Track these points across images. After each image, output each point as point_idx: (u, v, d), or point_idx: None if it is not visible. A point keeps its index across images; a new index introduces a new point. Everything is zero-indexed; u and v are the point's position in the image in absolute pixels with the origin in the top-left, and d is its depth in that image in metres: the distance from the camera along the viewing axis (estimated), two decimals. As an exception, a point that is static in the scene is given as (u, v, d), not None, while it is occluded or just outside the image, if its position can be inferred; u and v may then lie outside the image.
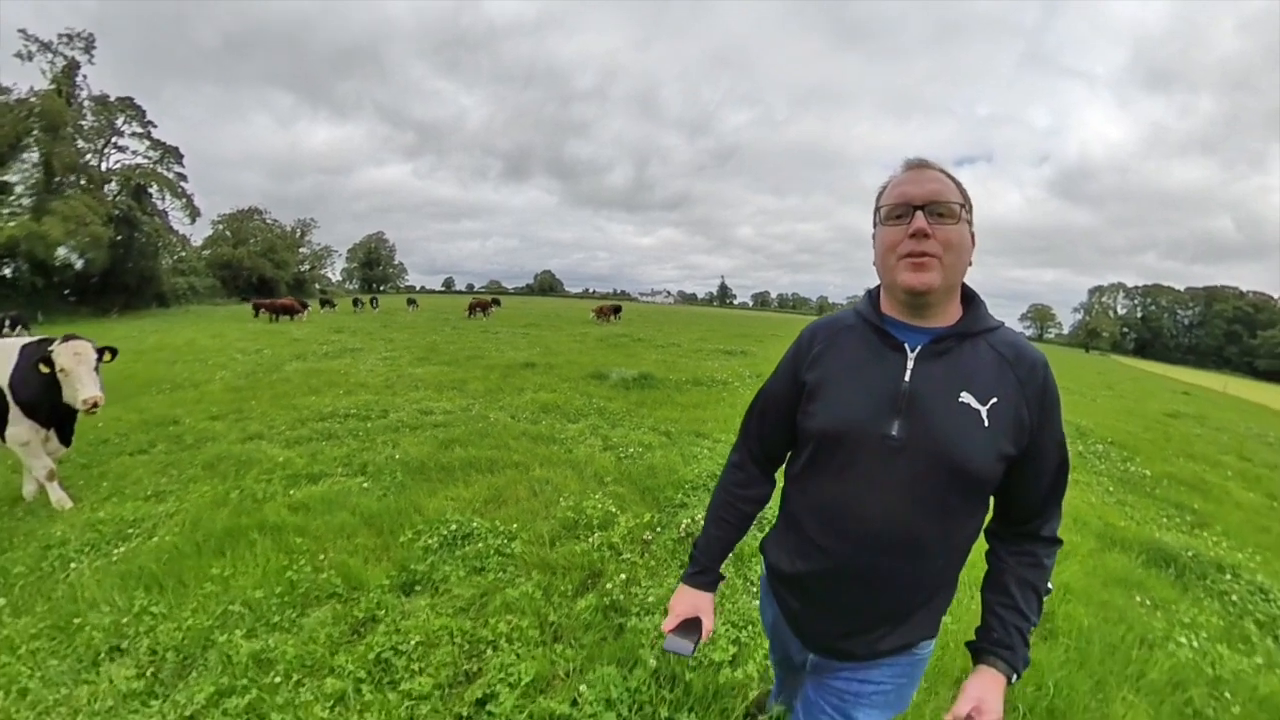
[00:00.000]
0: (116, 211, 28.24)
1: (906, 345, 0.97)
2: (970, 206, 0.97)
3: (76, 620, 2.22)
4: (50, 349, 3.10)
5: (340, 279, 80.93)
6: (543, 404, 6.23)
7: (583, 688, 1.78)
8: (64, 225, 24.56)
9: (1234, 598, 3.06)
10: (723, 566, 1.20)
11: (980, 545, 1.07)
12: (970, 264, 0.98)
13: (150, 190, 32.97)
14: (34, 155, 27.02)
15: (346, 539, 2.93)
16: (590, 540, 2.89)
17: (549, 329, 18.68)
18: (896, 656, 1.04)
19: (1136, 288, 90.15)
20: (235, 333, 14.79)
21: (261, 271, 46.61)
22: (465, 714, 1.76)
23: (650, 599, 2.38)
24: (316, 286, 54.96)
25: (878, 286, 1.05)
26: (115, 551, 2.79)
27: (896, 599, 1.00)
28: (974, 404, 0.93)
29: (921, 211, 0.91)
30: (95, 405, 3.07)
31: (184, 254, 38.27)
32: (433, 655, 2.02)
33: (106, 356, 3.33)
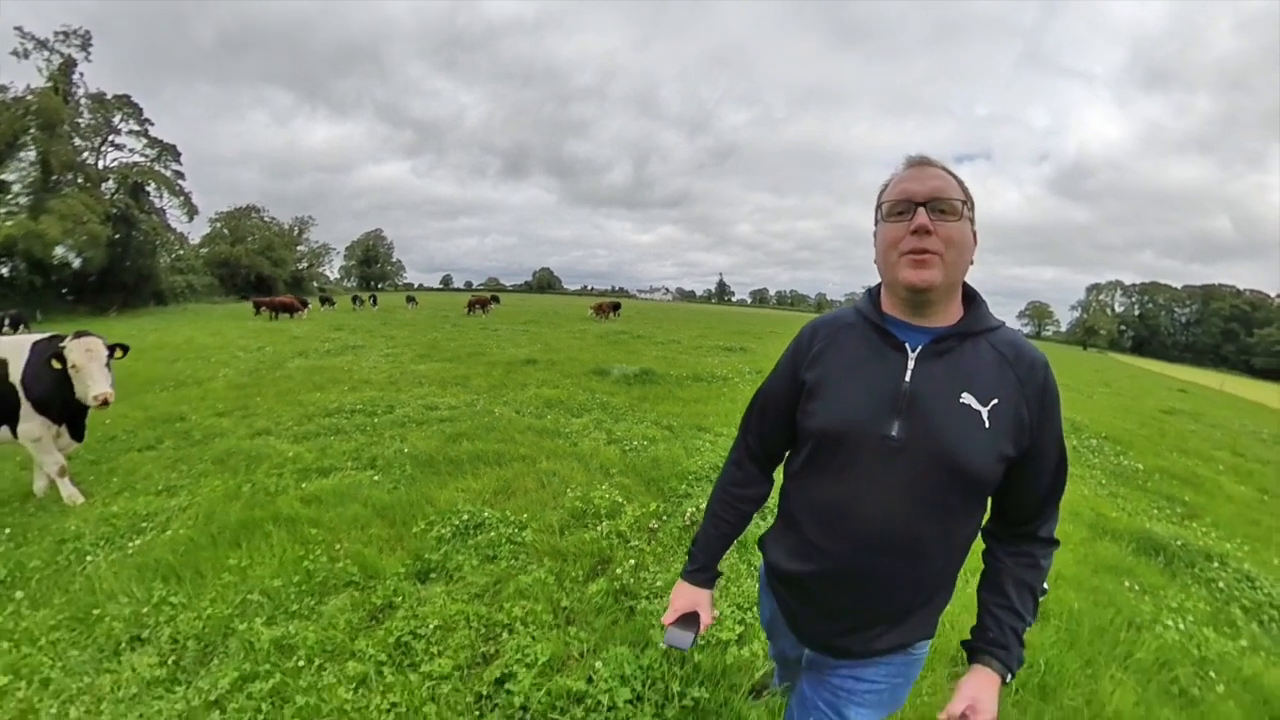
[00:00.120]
0: (114, 210, 28.16)
1: (907, 345, 0.97)
2: (972, 204, 0.97)
3: (95, 612, 2.26)
4: (62, 346, 3.13)
5: (338, 277, 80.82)
6: (546, 399, 6.31)
7: (598, 664, 1.87)
8: (61, 224, 24.51)
9: (1221, 584, 3.16)
10: (727, 552, 1.25)
11: (978, 545, 1.07)
12: (972, 262, 0.97)
13: (148, 188, 32.89)
14: (31, 154, 26.94)
15: (360, 530, 2.99)
16: (599, 528, 2.97)
17: (549, 326, 18.74)
18: (893, 655, 1.04)
19: (1134, 286, 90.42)
20: (235, 331, 14.80)
21: (259, 269, 46.52)
22: (485, 693, 1.84)
23: (659, 583, 2.47)
24: (315, 285, 54.87)
25: (878, 285, 1.04)
26: (130, 545, 2.83)
27: (894, 600, 1.00)
28: (975, 405, 0.92)
29: (924, 208, 0.91)
30: (106, 401, 3.10)
31: (182, 252, 38.18)
32: (451, 639, 2.10)
33: (118, 353, 3.36)
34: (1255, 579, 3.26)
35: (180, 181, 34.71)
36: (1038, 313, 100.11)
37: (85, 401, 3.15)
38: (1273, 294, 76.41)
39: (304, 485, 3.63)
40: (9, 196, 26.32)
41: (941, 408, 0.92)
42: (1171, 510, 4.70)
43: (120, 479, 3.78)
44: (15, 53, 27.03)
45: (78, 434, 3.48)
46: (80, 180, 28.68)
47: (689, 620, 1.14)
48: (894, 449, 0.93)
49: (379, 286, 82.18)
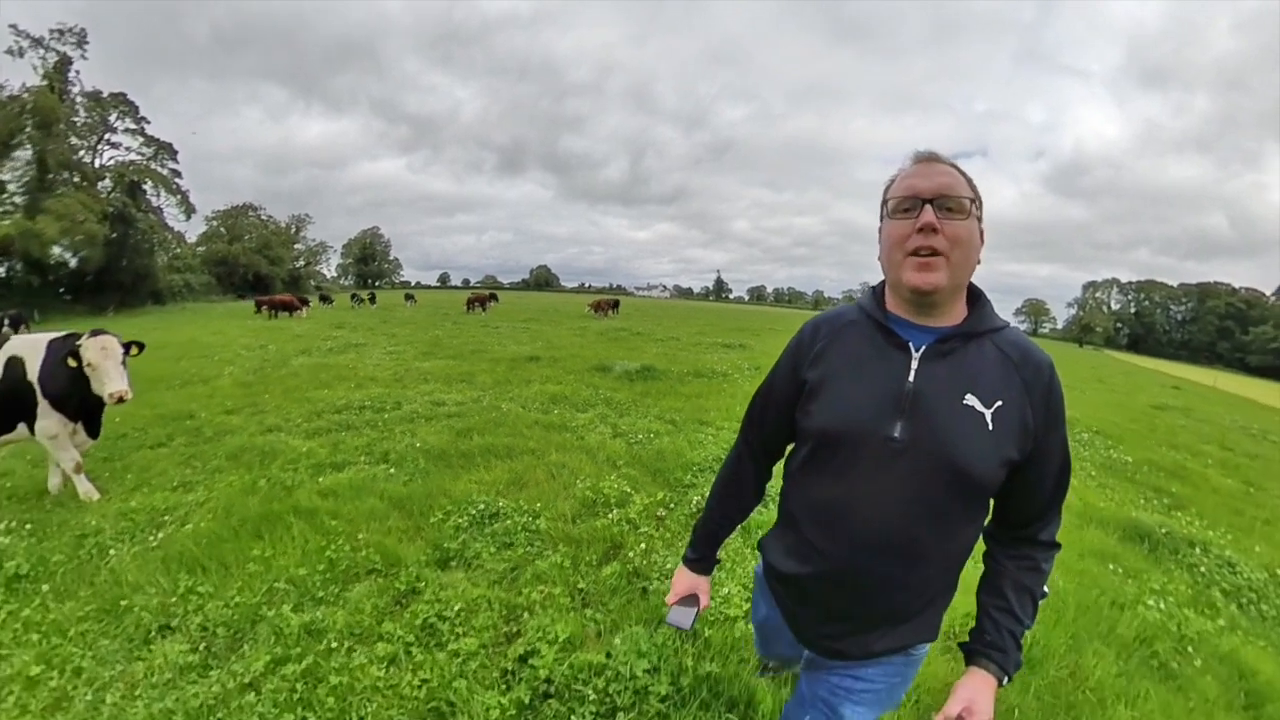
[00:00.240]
0: (111, 209, 28.10)
1: (911, 344, 0.95)
2: (980, 202, 0.95)
3: (123, 603, 2.30)
4: (78, 344, 3.14)
5: (335, 275, 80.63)
6: (551, 395, 6.43)
7: (616, 640, 1.99)
8: (59, 223, 24.49)
9: (1202, 569, 3.31)
10: (731, 536, 1.30)
11: (979, 547, 1.07)
12: (979, 262, 0.95)
13: (144, 187, 32.85)
14: (26, 153, 26.85)
15: (379, 521, 3.08)
16: (609, 516, 3.10)
17: (548, 323, 18.83)
18: (892, 657, 1.04)
19: (1130, 283, 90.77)
20: (236, 329, 14.84)
21: (257, 268, 46.46)
22: (510, 669, 1.95)
23: (669, 566, 2.60)
24: (313, 284, 54.78)
25: (882, 282, 1.02)
26: (151, 539, 2.87)
27: (893, 601, 0.99)
28: (978, 406, 0.91)
29: (930, 205, 0.89)
30: (123, 398, 3.13)
31: (179, 251, 38.13)
32: (474, 620, 2.21)
33: (133, 350, 3.37)
34: (1236, 564, 3.41)
35: (177, 180, 34.78)
36: (1034, 310, 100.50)
37: (102, 399, 3.18)
38: (1268, 292, 76.73)
39: (320, 480, 3.71)
40: (5, 196, 26.28)
41: (945, 409, 0.91)
42: (1158, 501, 4.85)
43: (135, 475, 3.84)
44: (10, 51, 26.99)
45: (93, 431, 3.52)
46: (77, 179, 28.64)
47: (689, 602, 1.22)
48: (896, 450, 0.92)
49: (376, 285, 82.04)
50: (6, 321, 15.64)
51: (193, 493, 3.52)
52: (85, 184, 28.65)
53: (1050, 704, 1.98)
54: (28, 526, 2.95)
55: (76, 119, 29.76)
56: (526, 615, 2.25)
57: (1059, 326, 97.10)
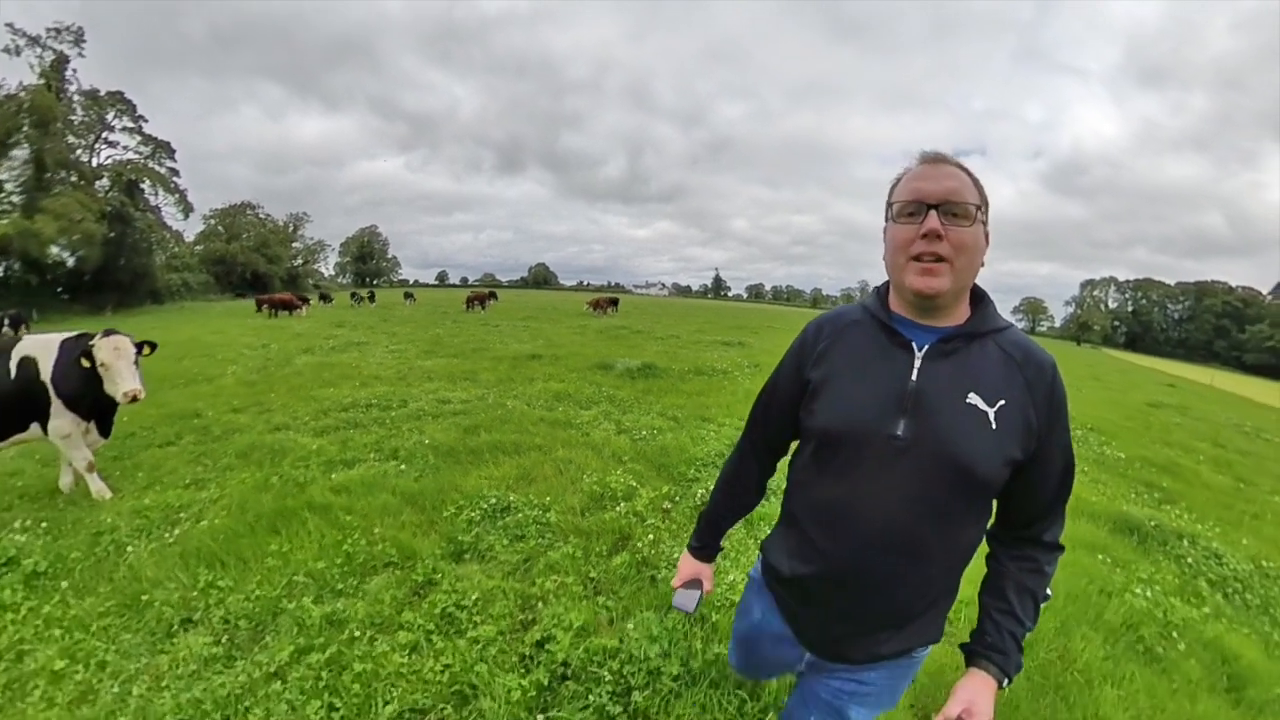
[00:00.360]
0: (109, 208, 28.06)
1: (914, 344, 0.95)
2: (986, 205, 0.93)
3: (144, 598, 2.33)
4: (91, 344, 3.18)
5: (333, 273, 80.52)
6: (554, 393, 6.51)
7: (629, 625, 2.09)
8: (56, 223, 24.45)
9: (1189, 560, 3.42)
10: (735, 527, 1.36)
11: (982, 549, 1.08)
12: (982, 265, 0.95)
13: (142, 186, 32.80)
14: (24, 152, 26.75)
15: (392, 516, 3.15)
16: (617, 509, 3.19)
17: (548, 322, 18.89)
18: (896, 660, 1.05)
19: (1128, 282, 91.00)
20: (236, 328, 14.85)
21: (255, 267, 46.39)
22: (528, 653, 2.04)
23: (675, 555, 2.69)
24: (311, 282, 54.74)
25: (886, 283, 1.03)
26: (167, 535, 2.91)
27: (897, 602, 0.99)
28: (981, 405, 0.91)
29: (935, 211, 0.89)
30: (136, 398, 3.16)
31: (177, 250, 38.09)
32: (491, 609, 2.29)
33: (146, 350, 3.38)
34: (1222, 556, 3.52)
35: (175, 179, 34.71)
36: (1032, 308, 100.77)
37: (115, 398, 3.21)
38: (1264, 291, 76.89)
39: (332, 476, 3.75)
40: (3, 195, 26.20)
41: (948, 408, 0.91)
42: (1149, 496, 4.95)
43: (146, 474, 3.87)
44: (7, 49, 26.88)
45: (105, 430, 3.55)
46: (74, 178, 28.57)
47: (693, 586, 1.29)
48: (899, 448, 0.92)
49: (374, 283, 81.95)
50: (6, 321, 15.65)
51: (205, 490, 3.57)
52: (83, 183, 28.59)
53: (1040, 684, 2.08)
54: (43, 525, 2.97)
55: (74, 118, 29.66)
56: (541, 604, 2.34)
57: (1057, 325, 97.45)
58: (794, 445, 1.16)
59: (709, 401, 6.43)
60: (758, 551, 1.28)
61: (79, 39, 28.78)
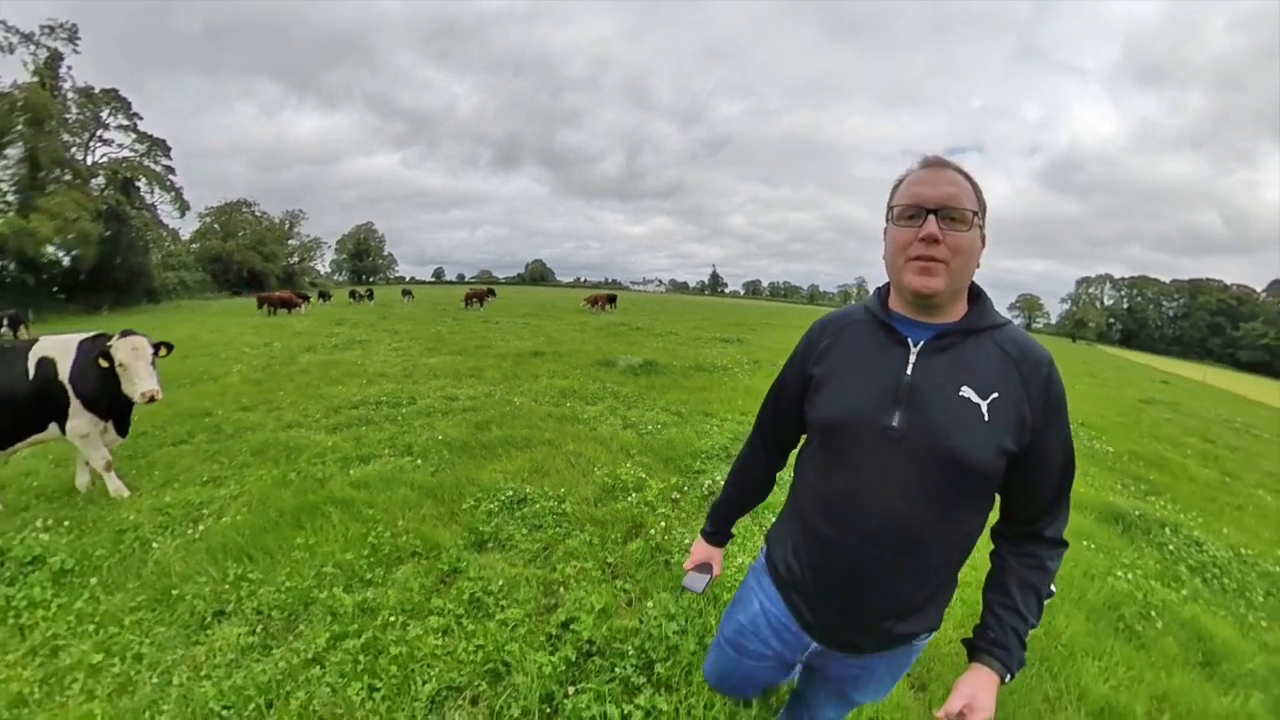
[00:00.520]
0: (104, 206, 27.92)
1: (910, 340, 0.99)
2: (983, 210, 0.97)
3: (174, 592, 2.38)
4: (109, 344, 3.21)
5: (329, 271, 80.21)
6: (560, 389, 6.64)
7: (649, 604, 2.24)
8: (52, 222, 24.33)
9: (1171, 547, 3.59)
10: (743, 517, 1.43)
11: (987, 545, 1.10)
12: (979, 266, 0.99)
13: (138, 184, 32.62)
14: (17, 150, 26.54)
15: (413, 509, 3.25)
16: (629, 500, 3.33)
17: (548, 319, 18.95)
18: (898, 647, 1.09)
19: (1123, 279, 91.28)
20: (236, 327, 14.84)
21: (251, 265, 46.26)
22: (554, 633, 2.16)
23: (687, 541, 2.84)
24: (307, 280, 54.58)
25: (887, 284, 1.07)
26: (190, 531, 2.96)
27: (898, 591, 1.02)
28: (974, 398, 0.94)
29: (934, 216, 0.92)
30: (153, 398, 3.19)
31: (173, 248, 37.93)
32: (516, 594, 2.42)
33: (163, 351, 3.43)
34: (1203, 544, 3.69)
35: (171, 176, 34.49)
36: (1028, 305, 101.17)
37: (133, 398, 3.25)
38: (1259, 289, 77.21)
39: (350, 472, 3.83)
40: (-2, 194, 26.04)
41: (941, 400, 0.95)
42: (1136, 488, 5.12)
43: (162, 472, 3.90)
44: (1, 47, 26.64)
45: (123, 430, 3.58)
46: (69, 177, 28.34)
47: (704, 570, 1.37)
48: (894, 439, 0.96)
49: (371, 280, 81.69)
50: (5, 321, 15.57)
51: (224, 487, 3.62)
52: (78, 181, 28.39)
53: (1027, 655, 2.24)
54: (65, 524, 3.01)
55: (68, 116, 29.45)
56: (562, 589, 2.48)
57: (1053, 322, 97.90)
58: (803, 440, 1.22)
59: (710, 397, 6.57)
60: (762, 540, 1.35)
61: (73, 36, 28.57)
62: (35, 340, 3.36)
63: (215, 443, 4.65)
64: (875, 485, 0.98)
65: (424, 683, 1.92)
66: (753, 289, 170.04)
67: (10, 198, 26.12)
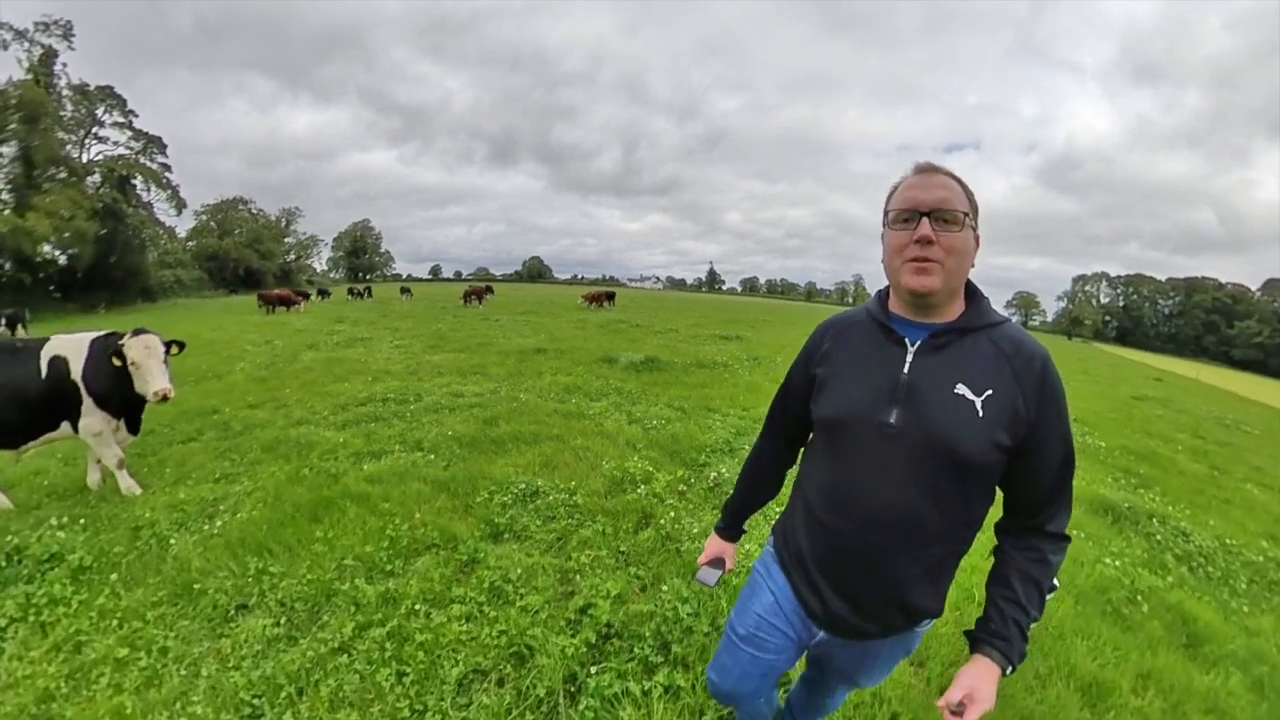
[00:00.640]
0: (100, 204, 27.79)
1: (907, 340, 1.04)
2: (976, 211, 1.02)
3: (196, 587, 2.41)
4: (121, 343, 3.22)
5: (326, 268, 79.99)
6: (564, 386, 6.74)
7: (664, 588, 2.36)
8: (49, 220, 24.23)
9: (1158, 537, 3.73)
10: (753, 516, 1.48)
11: (991, 542, 1.13)
12: (973, 265, 1.03)
13: (134, 181, 32.44)
14: (12, 149, 26.33)
15: (428, 503, 3.33)
16: (638, 491, 3.45)
17: (547, 316, 19.02)
18: (902, 633, 1.14)
19: (1119, 277, 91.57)
20: (236, 325, 14.81)
21: (248, 262, 46.14)
22: (573, 618, 2.27)
23: (695, 530, 2.97)
24: (304, 278, 54.43)
25: (887, 287, 1.12)
26: (207, 527, 2.99)
27: (901, 580, 1.05)
28: (969, 395, 0.97)
29: (927, 218, 0.97)
30: (166, 397, 3.19)
31: (169, 246, 37.77)
32: (534, 582, 2.52)
33: (175, 349, 3.41)
34: (1189, 534, 3.84)
35: (167, 174, 34.29)
36: (1024, 302, 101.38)
37: (145, 397, 3.25)
38: (1253, 287, 77.46)
39: (363, 467, 3.88)
40: (-7, 192, 25.88)
41: (937, 398, 0.99)
42: (1126, 481, 5.26)
43: (173, 470, 3.92)
44: (-6, 44, 26.45)
45: (134, 428, 3.58)
46: (64, 175, 28.19)
47: (716, 564, 1.41)
48: (891, 435, 1.00)
49: (368, 277, 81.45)
50: (4, 321, 15.53)
51: (238, 484, 3.65)
52: (74, 179, 28.22)
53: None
54: (80, 521, 3.02)
55: (64, 113, 29.28)
56: (579, 576, 2.59)
57: (1049, 319, 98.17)
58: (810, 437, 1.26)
59: (712, 393, 6.70)
60: (768, 532, 1.39)
61: (68, 32, 28.40)
62: (47, 339, 3.38)
63: (225, 440, 4.67)
64: (875, 479, 1.03)
65: (451, 666, 1.99)
66: (750, 286, 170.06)
67: (6, 196, 25.98)
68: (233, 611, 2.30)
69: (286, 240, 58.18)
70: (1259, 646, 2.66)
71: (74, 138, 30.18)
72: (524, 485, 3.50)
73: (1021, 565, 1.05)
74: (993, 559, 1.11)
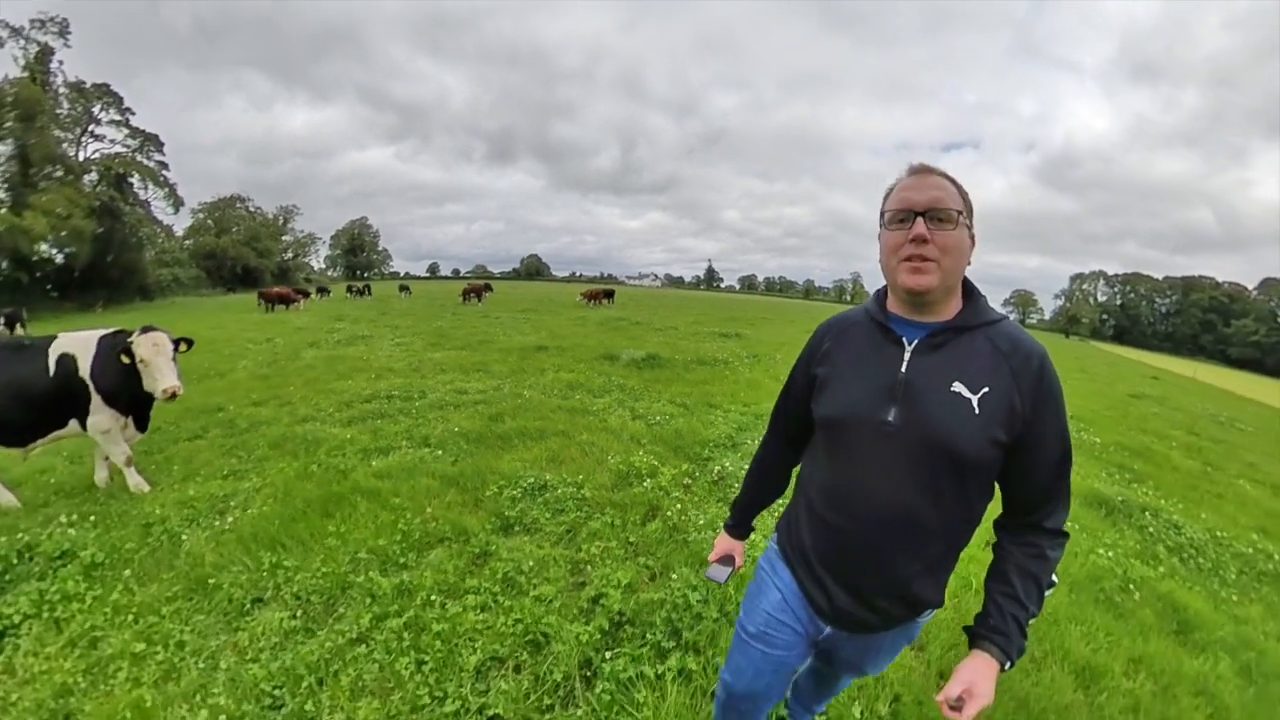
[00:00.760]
0: (97, 203, 27.72)
1: (904, 339, 1.05)
2: (970, 210, 1.04)
3: (210, 581, 2.43)
4: (130, 340, 3.21)
5: (324, 266, 79.78)
6: (567, 382, 6.79)
7: (674, 576, 2.43)
8: (46, 219, 24.16)
9: (1151, 529, 3.82)
10: (758, 516, 1.50)
11: (990, 537, 1.14)
12: (969, 264, 1.05)
13: (131, 180, 32.34)
14: (8, 147, 26.25)
15: (438, 497, 3.37)
16: (644, 485, 3.52)
17: (547, 313, 19.05)
18: (904, 625, 1.16)
19: (1117, 276, 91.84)
20: (236, 324, 14.78)
21: (246, 260, 46.04)
22: (586, 607, 2.33)
23: (701, 521, 3.04)
24: (302, 276, 54.31)
25: (885, 287, 1.13)
26: (218, 523, 3.00)
27: (902, 574, 1.07)
28: (965, 393, 0.99)
29: (922, 218, 0.98)
30: (175, 394, 3.18)
31: (167, 245, 37.66)
32: (546, 572, 2.59)
33: (183, 347, 3.41)
34: (1181, 526, 3.92)
35: (164, 172, 34.20)
36: (1022, 301, 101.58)
37: (154, 394, 3.25)
38: (1250, 286, 77.60)
39: (371, 463, 3.91)
40: (-11, 190, 25.79)
41: (933, 395, 1.00)
42: (1120, 476, 5.35)
43: (180, 467, 3.93)
44: (-9, 42, 26.33)
45: (142, 425, 3.58)
46: (61, 173, 28.11)
47: (726, 562, 1.45)
48: (889, 433, 1.02)
49: (366, 276, 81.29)
50: (2, 320, 15.51)
51: (246, 480, 3.66)
52: (71, 178, 28.14)
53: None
54: (91, 518, 3.02)
55: (60, 111, 29.17)
56: (589, 567, 2.66)
57: (1046, 318, 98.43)
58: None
59: (713, 390, 6.77)
60: (773, 529, 1.39)
61: (64, 30, 28.31)
62: (54, 337, 3.38)
63: (231, 437, 4.69)
64: (875, 477, 1.04)
65: (469, 654, 2.03)
66: (748, 284, 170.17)
67: (2, 195, 25.92)
68: (248, 605, 2.33)
69: (284, 238, 58.01)
70: (1247, 633, 2.74)
71: (70, 136, 30.09)
72: (532, 479, 3.57)
73: (1020, 561, 1.06)
74: (992, 554, 1.12)
